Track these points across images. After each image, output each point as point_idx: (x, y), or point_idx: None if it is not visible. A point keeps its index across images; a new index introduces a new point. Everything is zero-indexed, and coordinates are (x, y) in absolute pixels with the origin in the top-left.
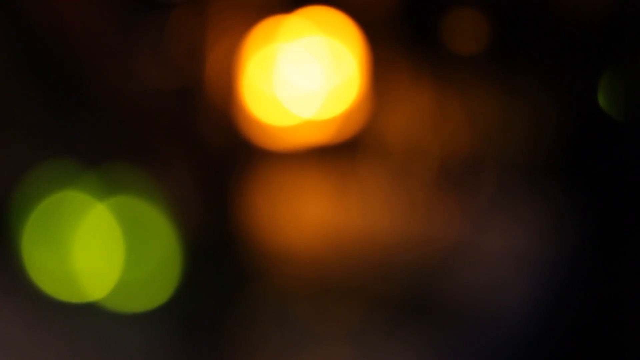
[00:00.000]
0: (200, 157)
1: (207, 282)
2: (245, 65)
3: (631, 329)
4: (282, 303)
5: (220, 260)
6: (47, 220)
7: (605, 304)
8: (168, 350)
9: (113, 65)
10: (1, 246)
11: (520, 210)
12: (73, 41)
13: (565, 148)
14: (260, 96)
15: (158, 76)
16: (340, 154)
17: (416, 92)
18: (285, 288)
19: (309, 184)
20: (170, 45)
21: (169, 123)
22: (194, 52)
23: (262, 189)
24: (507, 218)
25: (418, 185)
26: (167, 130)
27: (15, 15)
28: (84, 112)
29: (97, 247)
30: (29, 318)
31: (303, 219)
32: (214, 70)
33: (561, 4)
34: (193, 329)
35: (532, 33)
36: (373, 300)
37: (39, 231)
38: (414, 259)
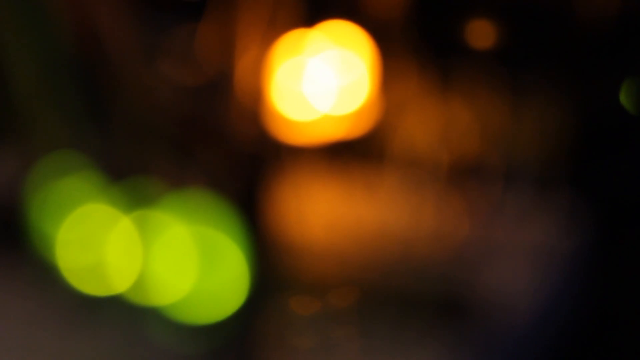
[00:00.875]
0: (230, 152)
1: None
2: (271, 70)
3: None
4: (305, 299)
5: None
6: (128, 232)
7: (616, 297)
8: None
9: (143, 69)
10: (31, 249)
11: (530, 208)
12: (103, 49)
13: (574, 149)
14: (285, 94)
15: (187, 78)
16: (358, 151)
17: (427, 94)
18: (308, 282)
19: (330, 178)
20: (199, 49)
21: (199, 121)
22: (223, 57)
23: (288, 181)
24: (517, 215)
25: (434, 183)
26: (197, 128)
27: (41, 23)
28: (115, 120)
29: (170, 259)
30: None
31: (325, 212)
32: (242, 74)
33: (571, 9)
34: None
35: (542, 38)
36: (392, 296)
37: (72, 236)
38: (434, 255)
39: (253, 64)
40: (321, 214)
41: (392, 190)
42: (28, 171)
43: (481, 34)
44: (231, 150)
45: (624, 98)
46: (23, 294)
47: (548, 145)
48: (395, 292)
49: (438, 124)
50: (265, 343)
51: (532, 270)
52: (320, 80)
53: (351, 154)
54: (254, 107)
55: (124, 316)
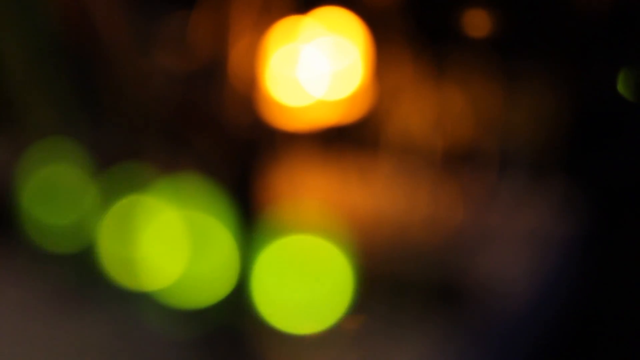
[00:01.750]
0: (223, 138)
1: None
2: (265, 56)
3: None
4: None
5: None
6: (120, 218)
7: (611, 283)
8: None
9: (136, 56)
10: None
11: (525, 195)
12: (95, 35)
13: (569, 135)
14: (279, 80)
15: (181, 65)
16: (353, 136)
17: (422, 80)
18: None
19: (324, 163)
20: (193, 35)
21: (192, 107)
22: (216, 43)
23: (281, 167)
24: (512, 202)
25: (428, 169)
26: (190, 114)
27: (32, 10)
28: (107, 106)
29: (162, 244)
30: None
31: (319, 198)
32: (236, 60)
33: None
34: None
35: (538, 24)
36: (387, 282)
37: (63, 223)
38: (429, 241)
39: (247, 50)
40: (315, 200)
41: (386, 176)
42: (19, 158)
43: (476, 20)
44: (225, 136)
45: (620, 85)
46: (14, 281)
47: (543, 131)
48: (389, 278)
49: (433, 110)
50: (256, 327)
51: (527, 256)
52: (314, 66)
53: (345, 140)
54: (247, 93)
55: (115, 301)
